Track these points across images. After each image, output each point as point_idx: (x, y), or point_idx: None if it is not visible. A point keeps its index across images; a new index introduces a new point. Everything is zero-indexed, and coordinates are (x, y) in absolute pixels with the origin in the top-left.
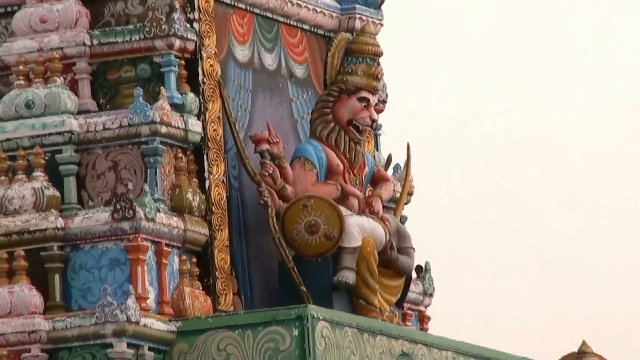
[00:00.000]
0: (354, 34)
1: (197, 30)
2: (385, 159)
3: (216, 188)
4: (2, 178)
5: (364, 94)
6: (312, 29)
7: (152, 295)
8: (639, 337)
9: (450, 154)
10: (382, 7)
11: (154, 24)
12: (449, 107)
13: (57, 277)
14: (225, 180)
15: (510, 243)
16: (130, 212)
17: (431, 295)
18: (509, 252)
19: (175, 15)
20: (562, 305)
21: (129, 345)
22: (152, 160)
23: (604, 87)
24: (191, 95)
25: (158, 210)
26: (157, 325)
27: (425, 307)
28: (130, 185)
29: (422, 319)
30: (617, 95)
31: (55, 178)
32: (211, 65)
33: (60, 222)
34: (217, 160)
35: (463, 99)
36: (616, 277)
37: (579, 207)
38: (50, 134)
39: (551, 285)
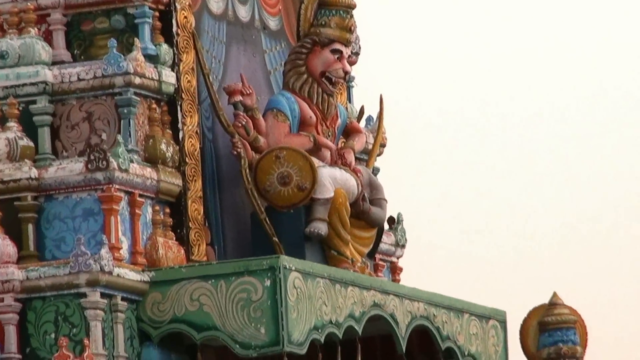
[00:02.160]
0: None
1: None
2: (358, 110)
3: (190, 139)
4: None
5: (337, 46)
6: None
7: (125, 246)
8: (610, 289)
9: (422, 106)
10: None
11: None
12: (422, 58)
13: (30, 227)
14: (198, 131)
15: (482, 195)
16: (104, 162)
17: (403, 246)
18: (481, 203)
19: None
20: (533, 257)
21: (102, 295)
22: (125, 111)
23: None
24: (165, 46)
25: (131, 161)
26: (130, 275)
27: (397, 259)
28: (104, 136)
29: (394, 270)
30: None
31: (29, 128)
32: (185, 17)
33: (34, 172)
34: (190, 112)
35: (436, 50)
36: (587, 228)
37: (551, 162)
38: (24, 85)
39: (523, 236)
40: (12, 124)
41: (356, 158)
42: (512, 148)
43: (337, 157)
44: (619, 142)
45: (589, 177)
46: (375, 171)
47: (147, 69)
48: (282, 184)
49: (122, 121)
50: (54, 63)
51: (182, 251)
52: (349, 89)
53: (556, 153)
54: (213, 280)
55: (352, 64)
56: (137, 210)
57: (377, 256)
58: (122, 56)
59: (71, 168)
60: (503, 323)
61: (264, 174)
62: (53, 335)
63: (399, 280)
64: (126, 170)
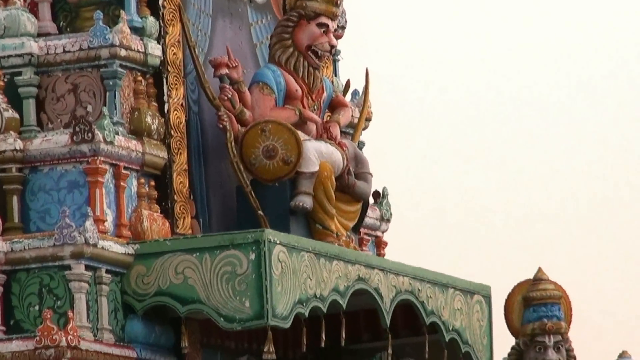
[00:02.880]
0: None
1: None
2: (344, 84)
3: (175, 112)
4: None
5: (323, 19)
6: None
7: (110, 218)
8: (595, 264)
9: (408, 80)
10: None
11: None
12: (408, 32)
13: (15, 198)
14: (184, 104)
15: (468, 170)
16: (89, 134)
17: (388, 220)
18: (467, 178)
19: None
20: (518, 232)
21: (87, 268)
22: (111, 83)
23: None
24: (151, 19)
25: (117, 133)
26: (115, 247)
27: (382, 233)
28: (89, 108)
29: (379, 245)
30: None
31: (14, 100)
32: None
33: (19, 144)
34: (176, 84)
35: (422, 24)
36: (572, 204)
37: (537, 138)
38: (10, 56)
39: (508, 211)
40: None
41: (342, 132)
42: (498, 122)
43: (323, 130)
44: (605, 122)
45: (574, 152)
46: (361, 145)
47: (133, 41)
48: (268, 157)
49: (107, 93)
50: (39, 35)
51: (167, 224)
52: (335, 62)
53: (542, 129)
54: (198, 254)
55: (338, 37)
56: (122, 183)
57: (362, 230)
58: (108, 28)
59: (56, 140)
60: (488, 298)
61: (249, 147)
62: (37, 308)
63: (383, 255)
64: (111, 143)
